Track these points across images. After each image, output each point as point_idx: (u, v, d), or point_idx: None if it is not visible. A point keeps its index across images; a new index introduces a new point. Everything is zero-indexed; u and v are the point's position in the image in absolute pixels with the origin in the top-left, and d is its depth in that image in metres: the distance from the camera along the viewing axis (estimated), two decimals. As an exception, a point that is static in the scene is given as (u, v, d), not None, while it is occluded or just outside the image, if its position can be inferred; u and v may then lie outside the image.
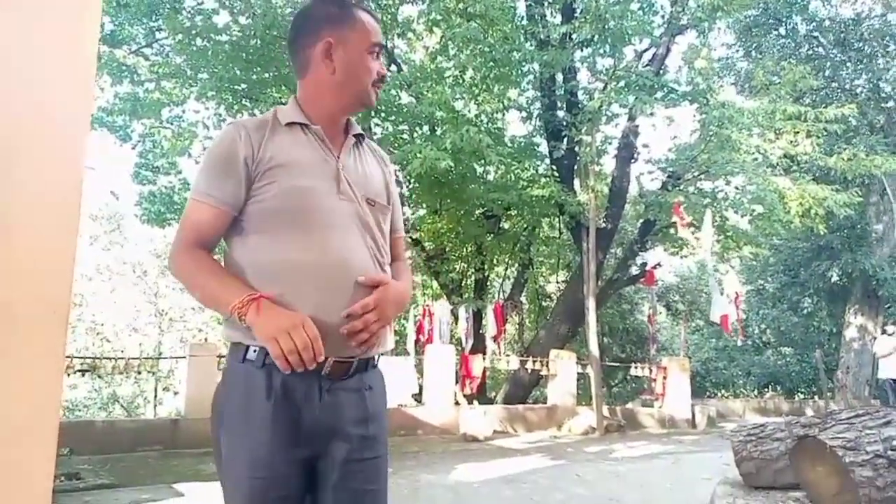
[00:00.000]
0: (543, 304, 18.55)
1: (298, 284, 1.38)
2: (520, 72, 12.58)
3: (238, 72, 10.75)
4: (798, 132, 12.11)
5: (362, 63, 1.54)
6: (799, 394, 19.55)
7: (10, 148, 1.30)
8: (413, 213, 14.75)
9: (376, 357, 1.52)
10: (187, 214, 1.48)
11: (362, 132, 1.63)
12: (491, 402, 12.70)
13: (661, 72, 13.33)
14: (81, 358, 9.54)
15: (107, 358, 9.93)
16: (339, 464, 1.42)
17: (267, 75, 11.01)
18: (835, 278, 16.18)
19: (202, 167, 1.49)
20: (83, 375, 9.72)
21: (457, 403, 10.32)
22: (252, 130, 1.47)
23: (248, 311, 1.33)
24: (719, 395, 19.81)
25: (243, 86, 11.27)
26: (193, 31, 10.60)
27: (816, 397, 17.51)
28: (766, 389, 20.33)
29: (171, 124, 12.74)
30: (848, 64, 17.61)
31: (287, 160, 1.45)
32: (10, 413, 1.25)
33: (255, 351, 1.38)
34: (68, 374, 8.80)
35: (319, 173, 1.47)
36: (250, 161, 1.44)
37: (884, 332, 12.89)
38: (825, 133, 12.23)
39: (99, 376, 11.10)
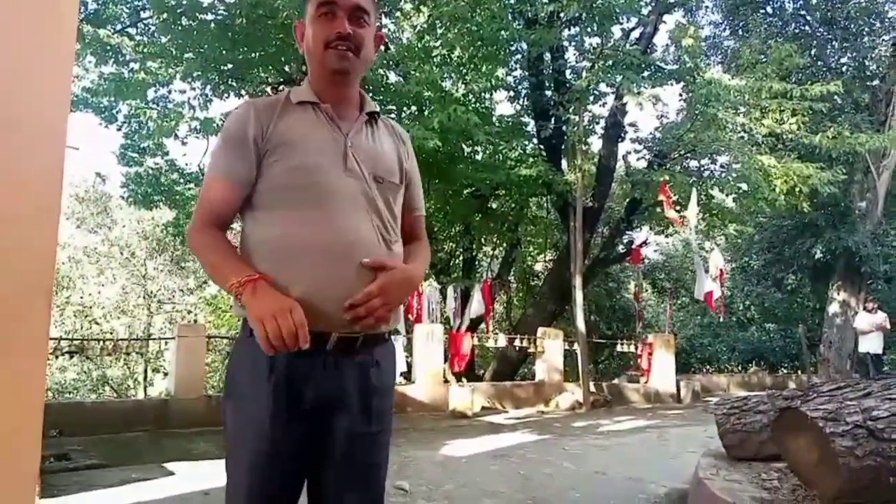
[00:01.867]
0: (531, 282, 18.68)
1: (301, 260, 1.40)
2: (507, 51, 12.55)
3: (224, 51, 10.64)
4: (784, 110, 12.17)
5: (312, 31, 1.53)
6: (782, 369, 19.80)
7: None
8: (401, 193, 14.71)
9: (387, 333, 1.53)
10: (202, 193, 1.52)
11: (376, 110, 1.62)
12: (479, 379, 12.82)
13: (649, 50, 13.35)
14: (70, 340, 9.51)
15: (95, 339, 9.92)
16: (342, 438, 1.43)
17: (253, 55, 10.91)
18: (818, 255, 16.33)
19: (216, 147, 1.53)
20: (72, 357, 9.70)
21: (445, 381, 10.41)
22: (262, 109, 1.49)
23: (245, 291, 1.35)
24: (704, 370, 20.06)
25: (229, 66, 11.16)
26: (178, 10, 10.46)
27: (799, 372, 17.74)
28: (749, 365, 20.56)
29: (157, 105, 12.59)
30: (834, 42, 17.66)
31: (294, 138, 1.46)
32: None
33: None
34: (56, 357, 8.81)
35: (327, 150, 1.48)
36: (259, 139, 1.46)
37: (865, 308, 13.09)
38: (810, 111, 12.29)
39: (88, 357, 11.12)
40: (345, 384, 1.43)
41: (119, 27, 11.86)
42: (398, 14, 12.75)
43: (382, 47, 11.79)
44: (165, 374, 15.24)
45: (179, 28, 10.59)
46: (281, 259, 1.41)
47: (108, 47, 11.55)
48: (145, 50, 11.59)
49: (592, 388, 11.39)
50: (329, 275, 1.40)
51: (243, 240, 1.50)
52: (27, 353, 1.30)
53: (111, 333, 16.65)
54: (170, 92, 12.66)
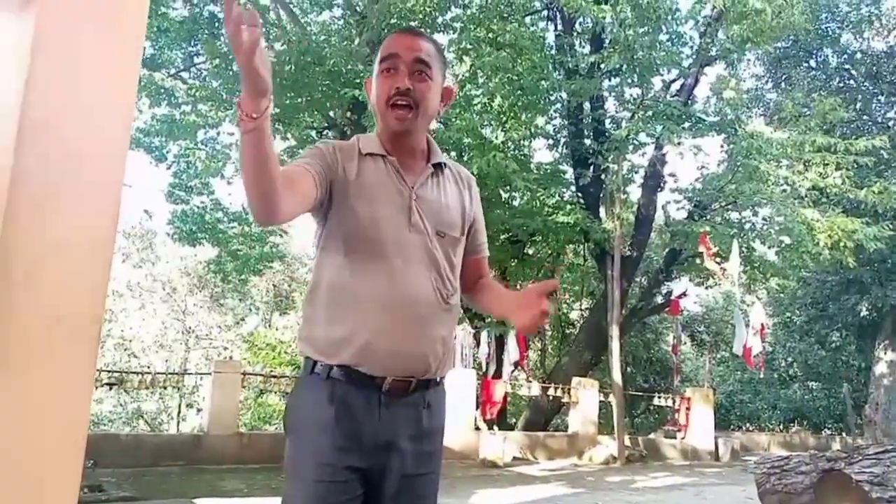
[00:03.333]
0: (566, 330, 18.45)
1: (364, 310, 1.46)
2: (547, 100, 12.68)
3: (272, 96, 10.97)
4: (828, 164, 12.01)
5: (376, 87, 1.57)
6: (826, 429, 19.10)
7: (53, 166, 1.33)
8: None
9: (439, 376, 1.56)
10: None
11: (443, 161, 1.65)
12: (511, 428, 12.62)
13: (690, 102, 13.34)
14: (109, 372, 9.69)
15: (134, 372, 10.09)
16: (393, 478, 1.48)
17: (300, 100, 11.23)
18: (864, 313, 15.89)
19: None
20: (110, 389, 9.87)
21: (477, 428, 10.28)
22: (340, 151, 1.55)
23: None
24: (744, 428, 19.45)
25: (276, 110, 11.50)
26: (230, 56, 10.87)
27: (844, 433, 17.12)
28: (791, 424, 19.90)
29: (206, 146, 13.01)
30: (880, 97, 17.48)
31: (365, 189, 1.52)
32: (41, 425, 1.29)
33: (322, 366, 1.47)
34: (95, 388, 8.96)
35: (393, 204, 1.53)
36: (336, 168, 1.51)
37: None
38: (855, 165, 12.11)
39: (125, 391, 11.27)
40: (398, 426, 1.49)
41: (173, 71, 12.35)
42: (441, 63, 13.01)
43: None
44: (199, 410, 15.36)
45: (230, 73, 10.99)
46: (345, 305, 1.48)
47: (162, 90, 12.03)
48: (197, 93, 12.03)
49: (628, 442, 11.13)
50: (388, 327, 1.46)
51: (313, 279, 1.56)
52: (74, 386, 1.35)
53: (149, 367, 16.89)
54: (218, 134, 13.09)
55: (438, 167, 1.64)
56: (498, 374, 12.32)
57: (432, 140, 1.67)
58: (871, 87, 17.41)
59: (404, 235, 1.51)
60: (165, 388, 10.78)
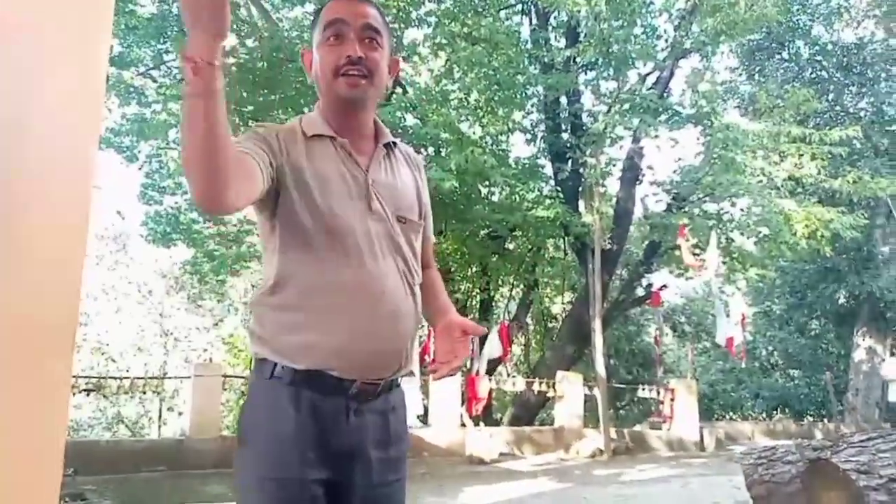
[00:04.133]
0: (549, 325, 18.50)
1: (334, 310, 1.35)
2: (524, 94, 12.67)
3: (244, 94, 10.82)
4: (802, 155, 12.14)
5: (321, 57, 1.43)
6: (808, 416, 19.36)
7: (21, 168, 1.32)
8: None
9: (399, 378, 1.48)
10: None
11: (392, 140, 1.53)
12: (497, 423, 12.62)
13: (665, 94, 13.42)
14: (86, 377, 9.52)
15: (112, 377, 9.93)
16: (362, 487, 1.37)
17: (273, 97, 11.09)
18: (842, 300, 16.14)
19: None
20: (88, 395, 9.71)
21: (463, 425, 10.24)
22: (283, 134, 1.40)
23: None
24: (727, 417, 19.64)
25: (250, 108, 11.35)
26: (202, 54, 10.69)
27: (826, 420, 17.35)
28: (774, 412, 20.16)
29: (178, 145, 12.82)
30: (851, 87, 17.73)
31: (317, 176, 1.38)
32: (18, 433, 1.24)
33: (282, 368, 1.34)
34: (73, 394, 8.80)
35: (350, 191, 1.40)
36: (281, 155, 1.35)
37: (893, 354, 12.80)
38: (830, 156, 12.25)
39: (104, 396, 11.08)
40: (366, 432, 1.38)
41: (143, 69, 12.15)
42: (416, 58, 12.95)
43: (400, 90, 11.91)
44: (180, 414, 15.16)
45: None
46: (312, 305, 1.35)
47: (132, 89, 11.84)
48: (167, 91, 11.85)
49: (614, 435, 11.15)
50: (360, 328, 1.36)
51: (269, 277, 1.40)
52: (51, 394, 1.31)
53: (127, 371, 16.65)
54: (190, 133, 12.87)
55: (389, 147, 1.52)
56: (482, 371, 12.28)
57: (379, 121, 1.55)
58: (842, 78, 17.64)
59: (365, 224, 1.39)
60: (145, 392, 10.64)
